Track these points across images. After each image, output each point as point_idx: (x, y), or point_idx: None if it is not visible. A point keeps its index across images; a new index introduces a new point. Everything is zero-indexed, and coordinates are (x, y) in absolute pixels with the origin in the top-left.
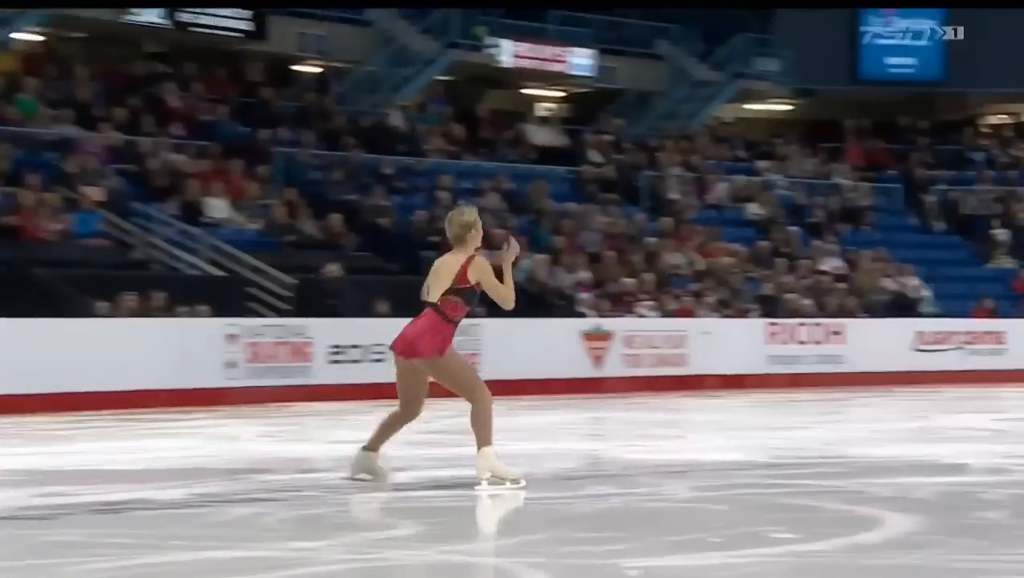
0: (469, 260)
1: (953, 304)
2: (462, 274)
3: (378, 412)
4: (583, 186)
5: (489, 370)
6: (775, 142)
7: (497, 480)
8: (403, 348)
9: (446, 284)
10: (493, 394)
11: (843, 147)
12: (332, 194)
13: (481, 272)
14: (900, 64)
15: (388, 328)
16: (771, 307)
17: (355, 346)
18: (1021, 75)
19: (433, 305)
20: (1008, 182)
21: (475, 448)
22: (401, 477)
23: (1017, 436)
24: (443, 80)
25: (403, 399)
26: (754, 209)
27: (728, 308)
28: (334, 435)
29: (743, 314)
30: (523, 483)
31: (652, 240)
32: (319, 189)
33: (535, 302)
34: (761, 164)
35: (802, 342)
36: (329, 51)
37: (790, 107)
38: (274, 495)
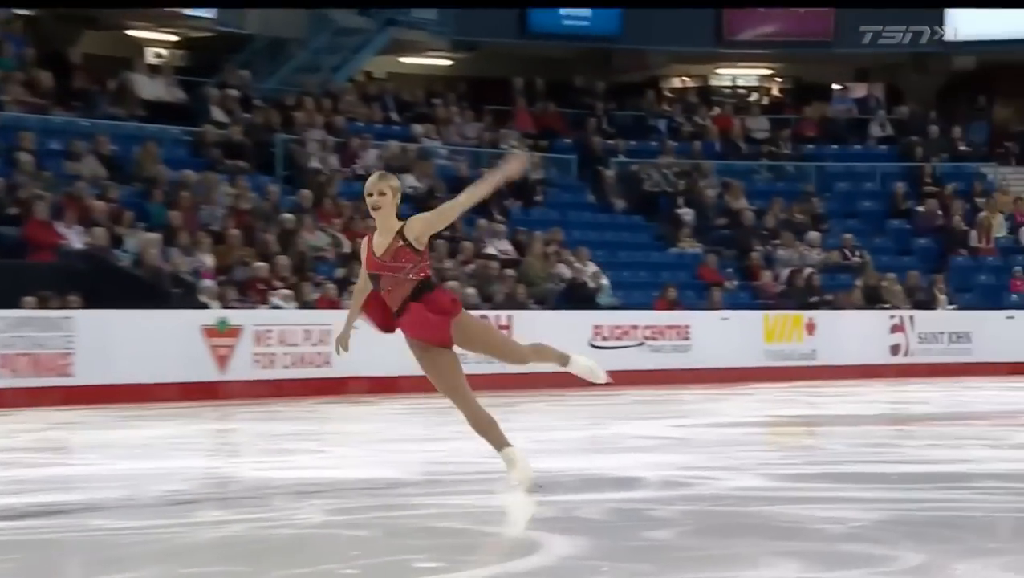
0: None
1: (634, 294)
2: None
3: None
4: (204, 150)
5: (85, 374)
6: (434, 103)
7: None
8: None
9: None
10: (92, 402)
11: (512, 111)
12: None
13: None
14: (574, 17)
15: None
16: None
17: None
18: (703, 32)
19: None
20: (693, 154)
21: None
22: None
23: (697, 445)
24: (22, 15)
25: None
26: (410, 181)
27: None
28: None
29: None
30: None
31: (288, 217)
32: None
33: (144, 291)
34: (418, 128)
35: None
36: None
37: (450, 62)
38: None
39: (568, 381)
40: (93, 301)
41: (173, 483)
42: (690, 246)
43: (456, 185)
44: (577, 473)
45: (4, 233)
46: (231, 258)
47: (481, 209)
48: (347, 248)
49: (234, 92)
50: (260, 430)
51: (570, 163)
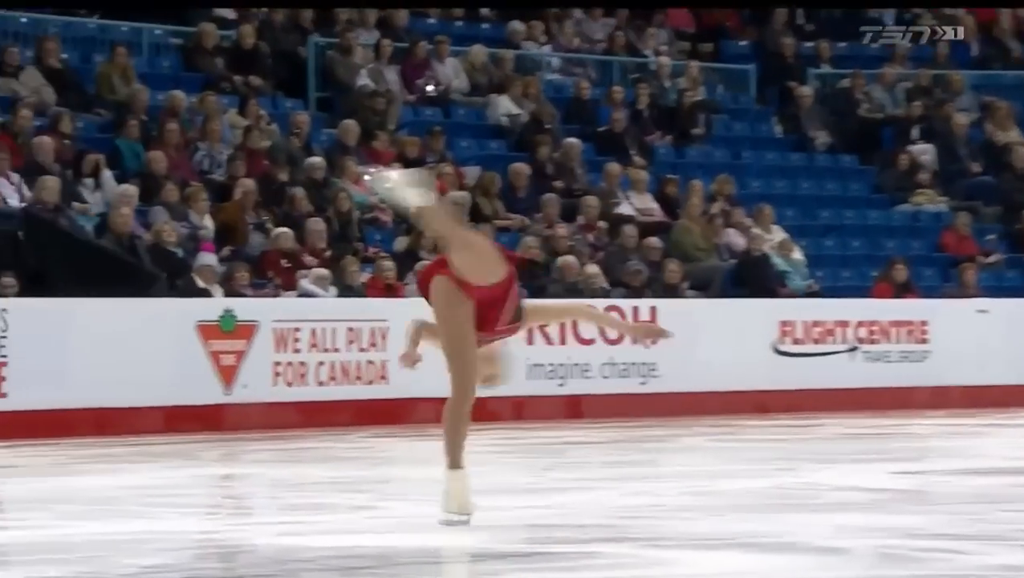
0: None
1: (843, 274)
2: None
3: None
4: (201, 61)
5: (23, 393)
6: None
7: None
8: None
9: None
10: (36, 435)
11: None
12: None
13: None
14: None
15: None
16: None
17: None
18: None
19: None
20: (937, 62)
21: None
22: None
23: (935, 501)
24: None
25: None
26: (506, 106)
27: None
28: None
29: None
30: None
31: (320, 161)
32: None
33: (111, 270)
34: (517, 27)
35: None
36: None
37: None
38: None
39: (737, 403)
40: (35, 286)
41: (151, 555)
42: (930, 201)
43: (574, 111)
44: (752, 541)
45: None
46: (240, 221)
47: (611, 148)
48: None
49: None
50: (281, 476)
51: (746, 77)
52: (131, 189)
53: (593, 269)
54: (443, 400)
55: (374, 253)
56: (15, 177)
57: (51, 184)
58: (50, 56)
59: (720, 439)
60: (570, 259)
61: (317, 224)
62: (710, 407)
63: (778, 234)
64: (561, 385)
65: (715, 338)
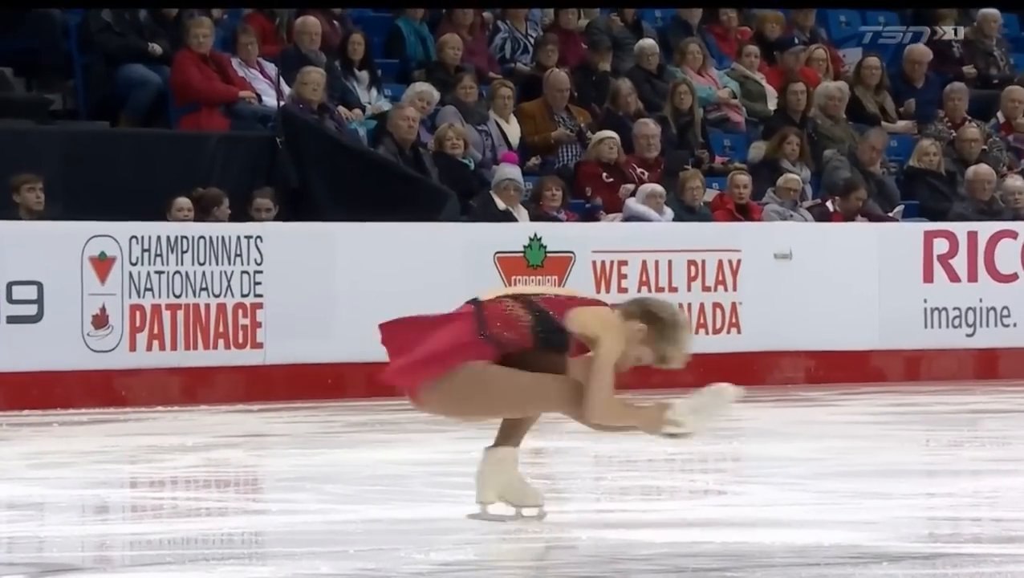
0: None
1: None
2: (571, 305)
3: None
4: None
5: (281, 343)
6: None
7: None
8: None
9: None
10: (286, 396)
11: None
12: None
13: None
14: None
15: None
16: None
17: None
18: None
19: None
20: None
21: None
22: None
23: None
24: None
25: None
26: None
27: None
28: None
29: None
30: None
31: (652, 44)
32: None
33: (389, 186)
34: None
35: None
36: None
37: None
38: None
39: None
40: (295, 208)
41: (448, 549)
42: None
43: None
44: None
45: (140, 79)
46: (551, 124)
47: None
48: (770, 99)
49: None
50: (606, 451)
51: None
52: (420, 85)
53: (1016, 183)
54: (809, 353)
55: (723, 164)
56: (271, 68)
57: (315, 78)
58: None
59: None
60: (983, 169)
61: (649, 127)
62: None
63: None
64: (970, 335)
65: None
